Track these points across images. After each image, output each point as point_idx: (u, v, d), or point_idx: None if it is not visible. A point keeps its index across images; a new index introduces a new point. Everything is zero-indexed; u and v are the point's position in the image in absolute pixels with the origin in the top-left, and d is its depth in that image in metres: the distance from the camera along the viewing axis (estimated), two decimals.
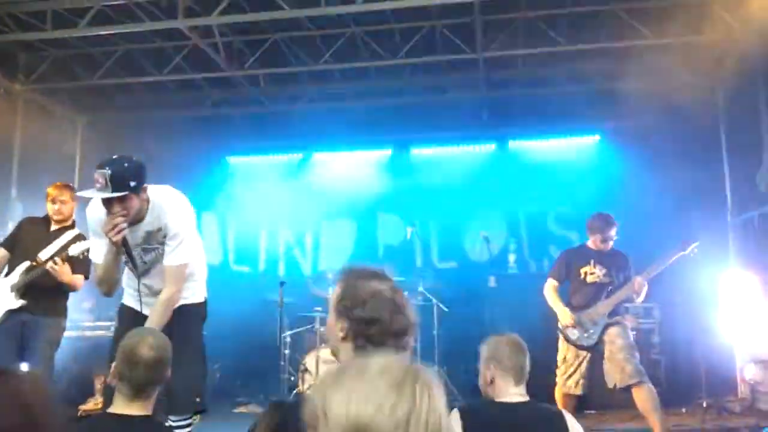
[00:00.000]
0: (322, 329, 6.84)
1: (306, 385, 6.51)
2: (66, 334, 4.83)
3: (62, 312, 4.70)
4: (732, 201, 7.21)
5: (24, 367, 4.39)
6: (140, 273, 3.45)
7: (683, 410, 5.93)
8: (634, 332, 5.46)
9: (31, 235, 4.75)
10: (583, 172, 7.84)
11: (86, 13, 6.10)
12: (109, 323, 6.94)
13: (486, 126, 8.32)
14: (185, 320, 3.53)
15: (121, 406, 2.36)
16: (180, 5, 5.87)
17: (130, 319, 3.59)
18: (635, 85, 7.25)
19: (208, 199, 8.94)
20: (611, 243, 5.23)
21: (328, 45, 7.05)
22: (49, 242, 4.64)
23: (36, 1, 6.04)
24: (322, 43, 7.07)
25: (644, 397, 4.79)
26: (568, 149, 8.24)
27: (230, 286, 7.68)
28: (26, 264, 4.55)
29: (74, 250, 4.40)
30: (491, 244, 7.13)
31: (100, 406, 5.80)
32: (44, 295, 4.53)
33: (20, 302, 4.51)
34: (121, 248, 3.27)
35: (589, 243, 5.35)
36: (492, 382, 2.70)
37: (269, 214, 9.07)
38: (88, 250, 4.23)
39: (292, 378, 6.86)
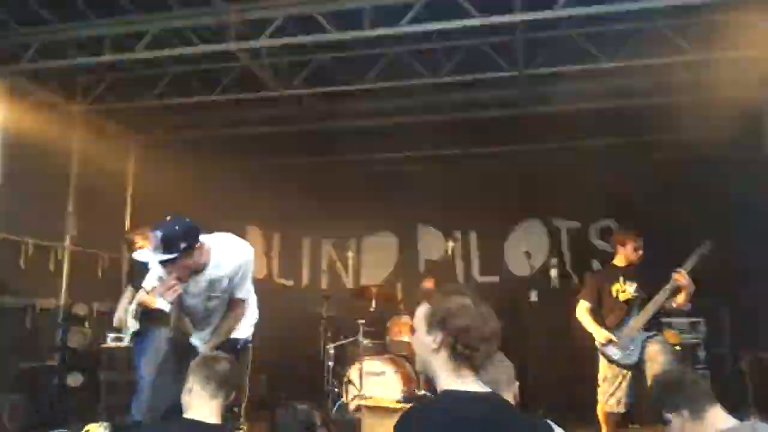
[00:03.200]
0: (365, 342, 6.97)
1: (350, 396, 6.64)
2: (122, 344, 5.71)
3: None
4: None
5: None
6: (201, 318, 3.65)
7: None
8: (678, 348, 5.46)
9: (137, 270, 5.39)
10: (627, 186, 7.82)
11: (141, 37, 6.38)
12: None
13: (528, 142, 8.37)
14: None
15: (197, 411, 2.55)
16: (231, 29, 6.11)
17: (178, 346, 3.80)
18: (679, 100, 7.26)
19: (253, 212, 9.21)
20: (641, 254, 5.27)
21: (372, 64, 7.21)
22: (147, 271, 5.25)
23: (96, 27, 6.35)
24: (366, 62, 7.24)
25: None
26: (611, 164, 8.19)
27: (274, 298, 7.86)
28: (137, 296, 5.38)
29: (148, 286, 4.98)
30: (532, 259, 7.18)
31: None
32: (154, 314, 5.19)
33: (137, 325, 5.42)
34: (179, 306, 3.50)
35: (617, 260, 5.40)
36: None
37: (312, 227, 9.27)
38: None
39: (336, 389, 7.00)
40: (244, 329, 3.82)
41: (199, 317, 3.68)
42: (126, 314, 5.61)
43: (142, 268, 5.41)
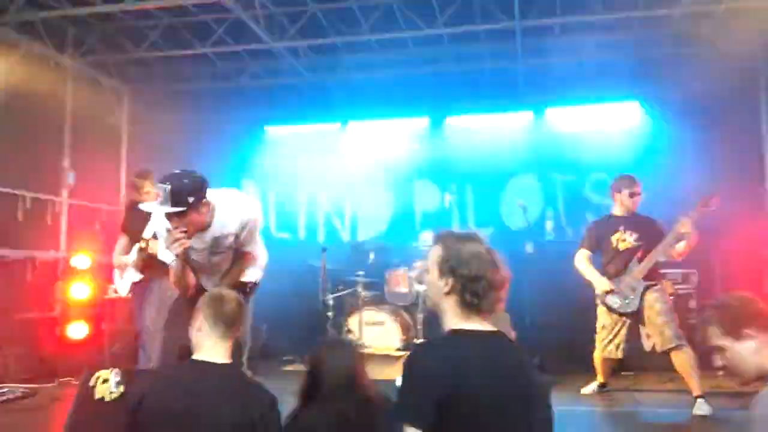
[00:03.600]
0: (363, 293, 7.09)
1: None
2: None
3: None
4: None
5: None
6: (206, 270, 3.66)
7: (720, 373, 6.02)
8: (672, 297, 5.57)
9: (136, 218, 5.26)
10: (622, 138, 7.86)
11: None
12: None
13: (523, 94, 8.35)
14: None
15: (207, 352, 2.60)
16: None
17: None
18: (675, 52, 7.25)
19: (249, 167, 9.21)
20: (638, 200, 5.30)
21: (367, 16, 7.13)
22: (147, 222, 5.13)
23: None
24: (361, 14, 7.15)
25: (683, 361, 4.93)
26: (606, 116, 8.22)
27: (272, 252, 7.92)
28: (137, 245, 5.24)
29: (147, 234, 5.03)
30: (528, 212, 7.26)
31: None
32: (156, 263, 4.99)
33: (140, 276, 5.38)
34: (185, 259, 3.47)
35: (615, 210, 5.44)
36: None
37: (308, 182, 9.29)
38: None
39: None
40: (254, 272, 3.84)
41: (204, 270, 3.70)
42: (123, 260, 5.55)
43: (137, 215, 5.40)
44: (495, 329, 2.10)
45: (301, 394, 2.73)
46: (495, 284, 2.05)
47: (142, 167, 5.89)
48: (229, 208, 3.49)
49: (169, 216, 3.26)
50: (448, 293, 2.07)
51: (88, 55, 7.67)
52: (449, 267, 2.06)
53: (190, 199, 3.21)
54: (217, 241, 3.51)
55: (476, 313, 2.05)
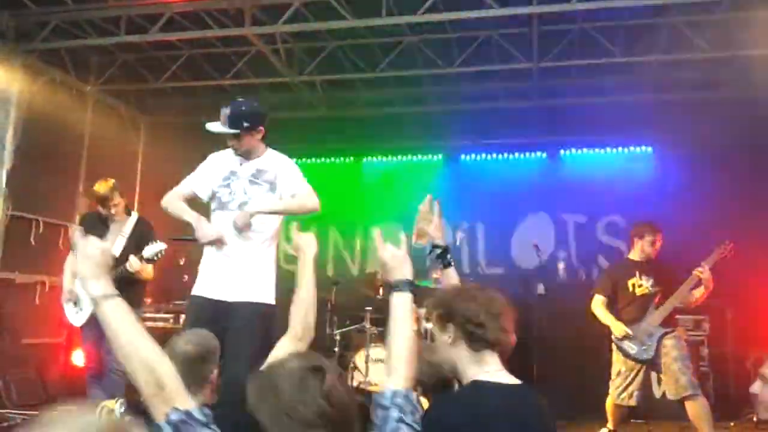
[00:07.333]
0: (371, 328, 7.01)
1: (355, 382, 6.69)
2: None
3: (139, 302, 5.16)
4: None
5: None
6: (237, 206, 3.69)
7: (732, 424, 5.90)
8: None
9: (97, 234, 4.98)
10: (635, 182, 7.83)
11: (157, 19, 6.39)
12: (167, 315, 7.30)
13: (537, 135, 8.36)
14: (253, 318, 3.62)
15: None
16: (247, 13, 6.12)
17: (197, 310, 3.74)
18: (691, 96, 7.25)
19: None
20: (659, 248, 5.28)
21: (385, 53, 7.21)
22: (114, 239, 4.98)
23: (111, 8, 6.36)
24: (379, 50, 7.24)
25: (697, 410, 4.82)
26: (620, 159, 8.21)
27: (281, 283, 7.89)
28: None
29: (149, 252, 4.79)
30: (540, 252, 7.20)
31: None
32: (122, 290, 4.80)
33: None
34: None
35: (633, 254, 5.40)
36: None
37: (319, 215, 9.25)
38: (161, 252, 4.78)
39: (342, 374, 7.05)
40: (268, 292, 3.74)
41: (237, 203, 3.69)
42: (76, 286, 4.97)
43: (99, 231, 4.67)
44: (517, 382, 2.05)
45: None
46: (493, 309, 2.03)
47: (105, 178, 5.28)
48: (280, 157, 3.81)
49: (227, 136, 3.60)
50: (453, 341, 2.04)
51: (109, 84, 7.80)
52: (445, 313, 2.07)
53: (245, 124, 3.56)
54: (259, 172, 3.71)
55: (487, 347, 2.01)
